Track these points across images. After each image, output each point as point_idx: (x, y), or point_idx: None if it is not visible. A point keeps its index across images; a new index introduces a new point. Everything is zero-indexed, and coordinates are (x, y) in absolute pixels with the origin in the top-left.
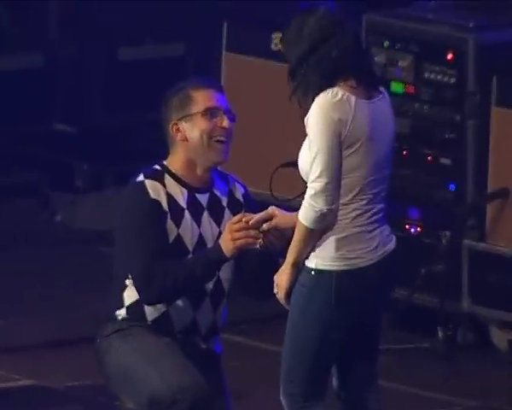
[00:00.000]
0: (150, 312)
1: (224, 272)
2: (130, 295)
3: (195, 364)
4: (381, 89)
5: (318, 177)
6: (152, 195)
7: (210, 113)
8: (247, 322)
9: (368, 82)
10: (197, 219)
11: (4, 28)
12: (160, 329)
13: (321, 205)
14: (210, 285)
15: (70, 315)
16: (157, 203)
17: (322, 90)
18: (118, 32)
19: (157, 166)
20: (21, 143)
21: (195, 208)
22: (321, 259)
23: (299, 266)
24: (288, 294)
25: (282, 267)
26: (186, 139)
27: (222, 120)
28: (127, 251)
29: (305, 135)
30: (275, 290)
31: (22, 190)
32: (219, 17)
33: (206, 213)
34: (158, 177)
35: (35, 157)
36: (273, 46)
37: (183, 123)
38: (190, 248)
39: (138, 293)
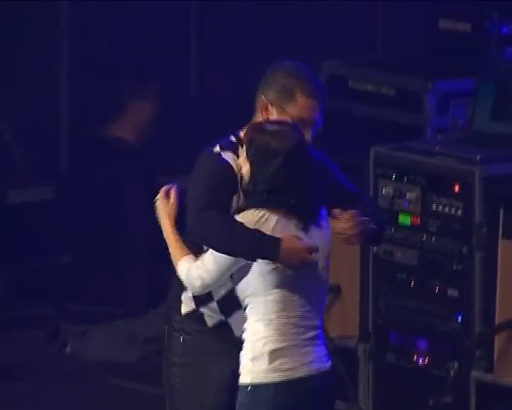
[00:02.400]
0: (209, 319)
1: None
2: None
3: None
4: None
5: (206, 273)
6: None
7: (301, 122)
8: None
9: (301, 216)
10: None
11: (16, 163)
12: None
13: (197, 290)
14: None
15: None
16: (231, 169)
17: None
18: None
19: (232, 138)
20: (31, 274)
21: None
22: (255, 373)
23: None
24: None
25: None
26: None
27: (307, 132)
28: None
29: None
30: None
31: (32, 321)
32: None
33: None
34: (233, 149)
35: (45, 288)
36: None
37: (274, 108)
38: None
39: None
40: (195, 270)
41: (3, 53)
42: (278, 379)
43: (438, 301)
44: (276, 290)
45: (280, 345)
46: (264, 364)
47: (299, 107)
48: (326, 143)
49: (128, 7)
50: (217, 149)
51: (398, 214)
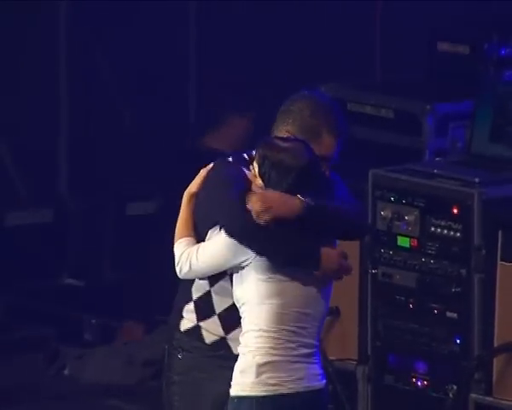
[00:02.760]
0: (208, 336)
1: None
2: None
3: None
4: None
5: (197, 262)
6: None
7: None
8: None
9: None
10: None
11: (14, 185)
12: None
13: (181, 274)
14: None
15: None
16: (247, 177)
17: None
18: (126, 186)
19: (245, 155)
20: (30, 297)
21: None
22: (241, 385)
23: None
24: None
25: None
26: None
27: (325, 167)
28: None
29: None
30: None
31: (31, 343)
32: None
33: None
34: (245, 165)
35: (44, 311)
36: None
37: None
38: None
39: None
40: (189, 254)
41: (2, 76)
42: (263, 393)
43: (436, 323)
44: (270, 301)
45: (269, 359)
46: (251, 377)
47: (323, 145)
48: None
49: (127, 7)
50: (230, 159)
51: (396, 237)
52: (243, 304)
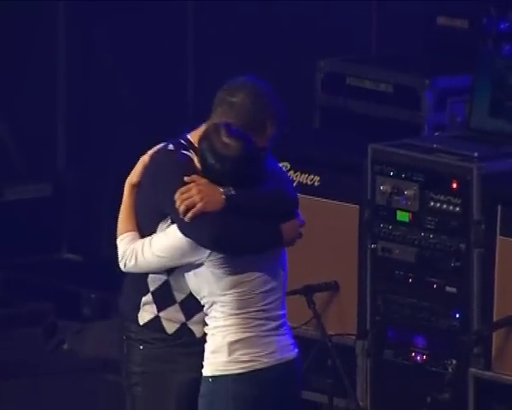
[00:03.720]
0: (169, 326)
1: None
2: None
3: None
4: None
5: (143, 258)
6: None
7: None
8: None
9: None
10: None
11: (13, 159)
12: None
13: (126, 268)
14: None
15: None
16: (193, 162)
17: None
18: (124, 162)
19: (182, 141)
20: (28, 271)
21: None
22: (215, 365)
23: None
24: None
25: None
26: None
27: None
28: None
29: (311, 260)
30: None
31: (29, 318)
32: None
33: None
34: (184, 149)
35: (42, 286)
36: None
37: None
38: None
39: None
40: (134, 250)
41: (2, 57)
42: (237, 371)
43: (436, 298)
44: (232, 291)
45: (239, 337)
46: (223, 356)
47: (266, 137)
48: (324, 140)
49: (126, 7)
50: (170, 147)
51: (395, 211)
52: (204, 296)
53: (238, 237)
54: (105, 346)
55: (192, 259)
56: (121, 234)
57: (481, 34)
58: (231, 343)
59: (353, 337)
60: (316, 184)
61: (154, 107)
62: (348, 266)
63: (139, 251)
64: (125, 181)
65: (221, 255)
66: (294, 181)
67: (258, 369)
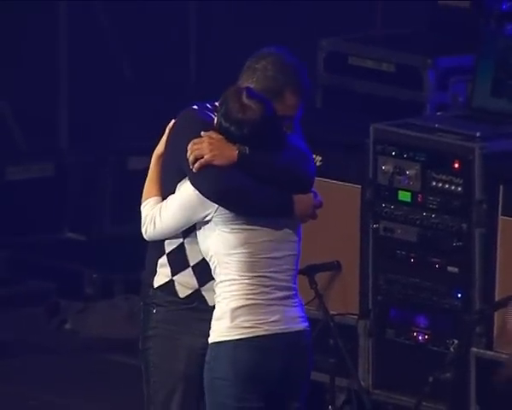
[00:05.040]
0: (182, 290)
1: None
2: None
3: None
4: None
5: (161, 222)
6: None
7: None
8: None
9: None
10: None
11: (15, 139)
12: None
13: (148, 234)
14: None
15: None
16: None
17: None
18: (127, 141)
19: (208, 105)
20: (31, 251)
21: None
22: (218, 332)
23: None
24: None
25: None
26: None
27: (287, 126)
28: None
29: (313, 240)
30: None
31: (32, 297)
32: None
33: None
34: (209, 111)
35: (44, 265)
36: None
37: None
38: None
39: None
40: (153, 215)
41: (4, 35)
42: (238, 337)
43: (438, 277)
44: (236, 251)
45: (242, 303)
46: (226, 322)
47: (285, 105)
48: (326, 120)
49: (128, 7)
50: (195, 107)
51: (397, 191)
52: (211, 256)
53: (244, 194)
54: (107, 326)
55: (202, 214)
56: (144, 200)
57: (483, 14)
58: (234, 309)
59: (355, 317)
60: (318, 163)
61: (157, 85)
62: (350, 245)
63: (157, 215)
64: (126, 162)
65: (228, 212)
66: None
67: (260, 335)
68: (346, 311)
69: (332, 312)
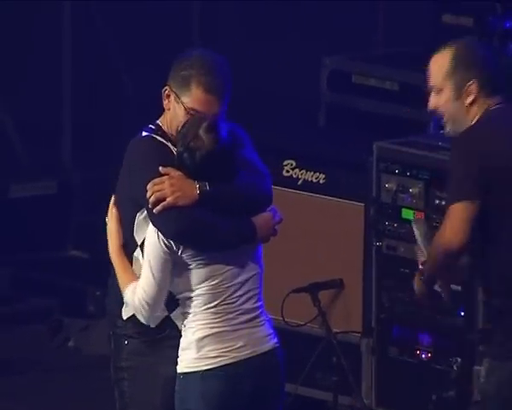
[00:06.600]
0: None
1: None
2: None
3: None
4: None
5: (147, 296)
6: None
7: (193, 114)
8: None
9: None
10: None
11: (18, 157)
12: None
13: (144, 316)
14: None
15: None
16: (167, 146)
17: None
18: None
19: (152, 126)
20: (34, 268)
21: None
22: (185, 362)
23: None
24: None
25: None
26: (169, 109)
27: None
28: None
29: (316, 258)
30: None
31: (34, 315)
32: None
33: None
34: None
35: (48, 283)
36: (284, 173)
37: (173, 96)
38: None
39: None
40: (138, 296)
41: (7, 48)
42: (205, 367)
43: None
44: (203, 285)
45: (207, 332)
46: (192, 353)
47: (192, 99)
48: (329, 138)
49: (131, 7)
50: (144, 134)
51: (401, 209)
52: (179, 292)
53: (208, 231)
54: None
55: (174, 255)
56: (123, 290)
57: (487, 32)
58: (199, 339)
59: (358, 335)
60: (321, 181)
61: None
62: (353, 263)
63: (141, 293)
64: None
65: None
66: (299, 179)
67: (226, 364)
68: (349, 329)
69: (335, 330)
